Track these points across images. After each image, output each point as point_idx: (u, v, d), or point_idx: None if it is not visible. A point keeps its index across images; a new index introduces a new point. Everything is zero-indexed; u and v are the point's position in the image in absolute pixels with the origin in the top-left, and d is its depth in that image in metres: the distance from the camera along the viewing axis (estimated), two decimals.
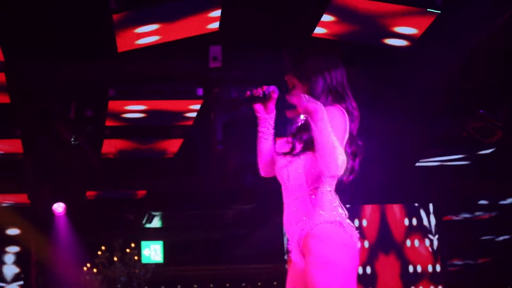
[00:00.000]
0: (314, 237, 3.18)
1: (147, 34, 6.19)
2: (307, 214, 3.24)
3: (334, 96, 3.25)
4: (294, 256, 3.30)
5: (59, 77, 7.10)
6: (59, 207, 11.09)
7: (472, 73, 6.70)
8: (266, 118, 3.38)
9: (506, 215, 12.99)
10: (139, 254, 14.60)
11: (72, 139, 7.69)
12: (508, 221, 12.94)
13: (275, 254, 11.48)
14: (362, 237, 9.53)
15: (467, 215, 13.41)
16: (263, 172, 3.44)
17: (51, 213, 11.17)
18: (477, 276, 18.13)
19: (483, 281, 18.65)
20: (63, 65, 6.95)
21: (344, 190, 3.35)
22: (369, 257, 9.78)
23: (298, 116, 3.30)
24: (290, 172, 3.30)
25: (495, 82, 6.84)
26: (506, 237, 15.23)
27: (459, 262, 17.31)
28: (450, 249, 11.43)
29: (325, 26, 5.98)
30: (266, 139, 3.38)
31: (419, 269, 9.86)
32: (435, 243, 9.89)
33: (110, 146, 8.95)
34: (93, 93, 7.46)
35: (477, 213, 13.35)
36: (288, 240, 3.34)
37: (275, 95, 3.35)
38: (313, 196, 3.25)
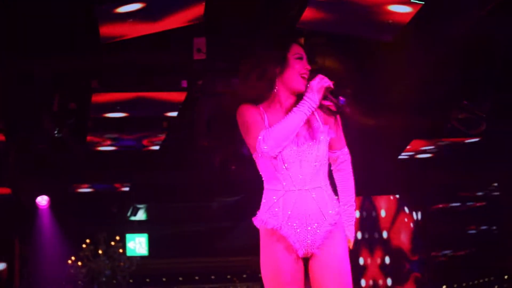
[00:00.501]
0: (340, 232, 3.34)
1: (131, 26, 6.16)
2: (325, 206, 3.29)
3: None
4: (301, 251, 3.27)
5: (42, 68, 7.06)
6: (43, 200, 11.05)
7: (455, 65, 6.74)
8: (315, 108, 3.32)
9: (489, 205, 13.08)
10: (123, 247, 14.59)
11: (56, 132, 7.65)
12: (492, 211, 13.04)
13: (260, 247, 11.49)
14: None
15: (450, 206, 13.49)
16: (278, 149, 3.24)
17: (35, 206, 11.13)
18: (461, 267, 18.26)
19: (467, 272, 18.79)
20: (46, 57, 6.91)
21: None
22: (354, 249, 9.79)
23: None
24: (287, 157, 3.34)
25: (478, 73, 6.87)
26: (488, 227, 15.34)
27: (443, 253, 17.43)
28: (434, 240, 11.50)
29: (308, 18, 5.98)
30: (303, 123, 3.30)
31: (403, 260, 9.91)
32: (419, 234, 9.94)
33: (94, 139, 8.92)
34: (76, 85, 7.42)
35: (461, 204, 13.43)
36: (293, 234, 3.28)
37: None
38: (328, 188, 3.33)
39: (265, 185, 3.34)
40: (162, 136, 8.93)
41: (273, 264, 3.22)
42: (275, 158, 3.26)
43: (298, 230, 3.25)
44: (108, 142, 9.15)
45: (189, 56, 6.70)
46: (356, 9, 5.82)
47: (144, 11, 5.95)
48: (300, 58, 3.37)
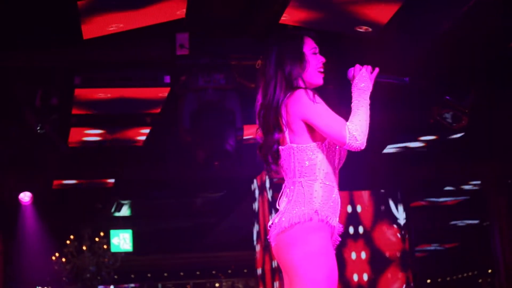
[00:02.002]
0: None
1: (113, 21, 6.13)
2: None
3: None
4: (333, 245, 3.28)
5: (24, 64, 7.02)
6: (25, 197, 10.98)
7: (438, 60, 6.75)
8: None
9: (473, 200, 13.15)
10: (108, 243, 14.56)
11: (38, 128, 7.60)
12: (475, 205, 13.11)
13: (244, 242, 11.50)
14: None
15: (435, 200, 13.55)
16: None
17: (17, 202, 11.06)
18: (444, 261, 18.37)
19: (451, 266, 18.90)
20: (28, 52, 6.86)
21: None
22: (338, 244, 9.81)
23: None
24: (342, 155, 3.32)
25: (460, 68, 6.89)
26: (472, 221, 15.44)
27: (427, 248, 17.53)
28: (418, 234, 11.54)
29: (291, 13, 5.97)
30: None
31: (387, 255, 9.94)
32: (403, 229, 9.97)
33: (77, 135, 8.87)
34: (59, 81, 7.38)
35: (444, 199, 13.50)
36: (334, 228, 3.25)
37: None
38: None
39: (320, 180, 3.20)
40: (146, 132, 8.90)
41: (331, 259, 3.12)
42: (334, 152, 3.23)
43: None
44: (92, 138, 9.11)
45: (172, 51, 6.68)
46: (340, 4, 5.82)
47: (126, 5, 5.92)
48: (316, 53, 3.38)
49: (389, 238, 10.02)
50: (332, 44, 6.37)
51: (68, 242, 14.54)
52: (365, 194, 10.03)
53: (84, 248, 14.55)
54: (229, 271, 18.88)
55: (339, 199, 3.28)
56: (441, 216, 14.90)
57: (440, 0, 5.84)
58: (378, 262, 9.90)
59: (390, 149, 9.96)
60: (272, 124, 3.24)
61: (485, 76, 7.15)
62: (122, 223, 14.44)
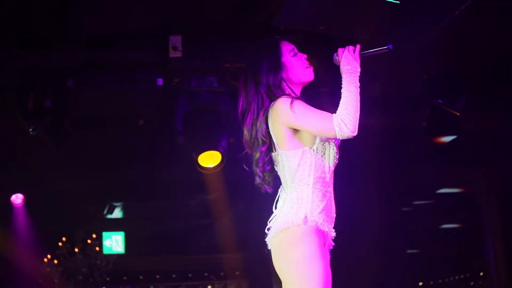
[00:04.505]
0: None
1: (107, 23, 6.13)
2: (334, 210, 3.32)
3: None
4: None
5: (17, 65, 7.00)
6: (17, 199, 10.95)
7: (430, 63, 6.77)
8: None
9: (465, 202, 13.17)
10: (100, 245, 14.52)
11: (31, 130, 7.59)
12: (466, 209, 13.12)
13: (237, 244, 11.51)
14: None
15: (425, 203, 13.57)
16: (357, 127, 3.18)
17: (9, 204, 11.03)
18: (436, 264, 18.38)
19: (443, 269, 18.91)
20: (21, 53, 6.85)
21: None
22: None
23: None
24: (332, 160, 3.33)
25: (453, 71, 6.91)
26: (464, 224, 15.46)
27: (420, 250, 17.52)
28: (410, 236, 11.56)
29: (285, 14, 5.97)
30: None
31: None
32: (395, 231, 9.99)
33: (70, 136, 8.85)
34: (52, 83, 7.37)
35: (436, 201, 13.52)
36: (327, 233, 3.24)
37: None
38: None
39: (311, 185, 3.20)
40: (138, 134, 8.90)
41: (324, 262, 3.11)
42: (323, 157, 3.21)
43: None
44: (85, 140, 9.09)
45: (165, 54, 6.68)
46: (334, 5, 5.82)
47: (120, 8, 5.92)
48: (295, 53, 3.36)
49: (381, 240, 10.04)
50: (324, 47, 6.38)
51: (60, 244, 14.50)
52: None
53: (76, 250, 14.51)
54: (222, 273, 18.85)
55: (333, 204, 3.27)
56: (432, 219, 14.91)
57: (433, 1, 5.85)
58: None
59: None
60: (259, 138, 3.24)
61: (477, 79, 7.17)
62: (114, 225, 14.42)
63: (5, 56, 6.83)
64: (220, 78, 7.03)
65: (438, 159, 10.06)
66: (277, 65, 3.30)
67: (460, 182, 11.86)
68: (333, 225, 3.29)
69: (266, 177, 3.27)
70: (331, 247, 3.31)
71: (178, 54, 6.65)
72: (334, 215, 3.27)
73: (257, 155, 3.25)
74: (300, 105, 3.17)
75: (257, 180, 3.31)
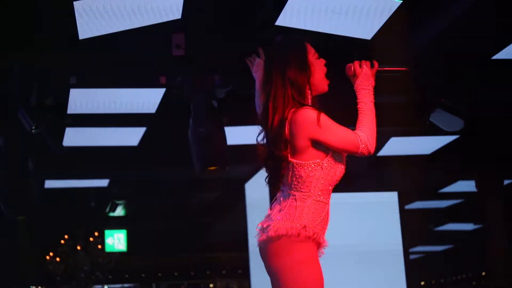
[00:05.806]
0: None
1: (109, 21, 6.11)
2: None
3: None
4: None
5: (18, 63, 7.00)
6: None
7: (432, 63, 6.77)
8: None
9: (467, 203, 13.17)
10: (102, 243, 14.56)
11: (33, 128, 7.58)
12: (469, 208, 13.13)
13: (239, 243, 11.50)
14: None
15: (428, 203, 13.57)
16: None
17: None
18: (439, 264, 18.39)
19: (445, 269, 18.91)
20: (22, 51, 6.84)
21: None
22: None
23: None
24: (339, 173, 3.29)
25: (455, 72, 6.90)
26: (467, 224, 15.47)
27: (422, 250, 17.55)
28: (412, 237, 11.57)
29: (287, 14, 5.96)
30: None
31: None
32: (397, 230, 9.99)
33: (72, 134, 8.86)
34: (54, 81, 7.36)
35: (439, 201, 13.52)
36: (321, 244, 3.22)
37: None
38: None
39: (314, 197, 3.16)
40: (141, 132, 8.90)
41: (316, 268, 3.09)
42: (333, 171, 3.20)
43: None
44: (87, 138, 9.10)
45: (168, 52, 6.67)
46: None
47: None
48: (318, 56, 3.31)
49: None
50: (328, 49, 6.37)
51: (62, 241, 14.53)
52: None
53: (79, 248, 14.55)
54: (224, 272, 18.87)
55: (329, 216, 3.25)
56: (435, 219, 14.91)
57: (434, 3, 5.84)
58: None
59: (385, 151, 9.97)
60: (279, 140, 3.18)
61: (479, 78, 7.16)
62: (116, 223, 14.44)
63: (5, 54, 6.82)
64: (223, 76, 7.02)
65: (439, 158, 10.05)
66: (304, 62, 3.24)
67: (463, 181, 11.85)
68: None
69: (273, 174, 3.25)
70: (321, 256, 3.29)
71: (181, 52, 6.63)
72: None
73: (276, 157, 3.20)
74: (326, 120, 3.14)
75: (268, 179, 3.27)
